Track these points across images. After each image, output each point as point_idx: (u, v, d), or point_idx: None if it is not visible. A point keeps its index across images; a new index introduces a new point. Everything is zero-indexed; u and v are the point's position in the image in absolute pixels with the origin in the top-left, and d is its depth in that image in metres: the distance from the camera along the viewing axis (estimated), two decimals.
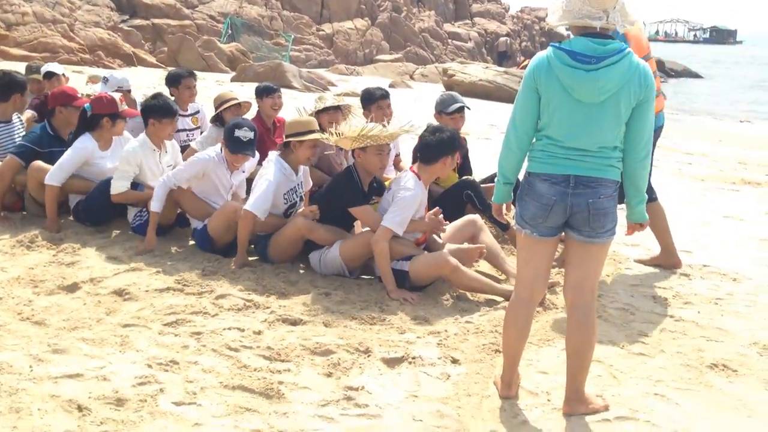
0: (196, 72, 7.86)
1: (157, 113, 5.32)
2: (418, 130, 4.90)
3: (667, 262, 5.33)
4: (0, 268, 4.59)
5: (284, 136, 5.05)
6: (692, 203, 7.70)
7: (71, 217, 5.63)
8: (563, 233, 3.23)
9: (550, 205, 3.09)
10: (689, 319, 4.35)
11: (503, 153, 3.23)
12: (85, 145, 5.47)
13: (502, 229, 5.49)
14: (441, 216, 4.76)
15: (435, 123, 5.46)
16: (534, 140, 3.18)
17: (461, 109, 5.90)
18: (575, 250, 3.21)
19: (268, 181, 4.87)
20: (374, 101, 6.22)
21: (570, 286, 3.24)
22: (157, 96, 5.54)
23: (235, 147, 5.06)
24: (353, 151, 4.80)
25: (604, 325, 4.18)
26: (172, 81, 6.66)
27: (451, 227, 5.02)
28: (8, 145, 5.91)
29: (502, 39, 26.82)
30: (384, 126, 4.80)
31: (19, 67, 10.74)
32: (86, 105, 5.57)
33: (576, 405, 3.21)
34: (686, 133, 16.27)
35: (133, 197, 5.31)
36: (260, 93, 6.43)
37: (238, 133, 5.03)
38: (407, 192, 4.57)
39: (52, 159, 5.50)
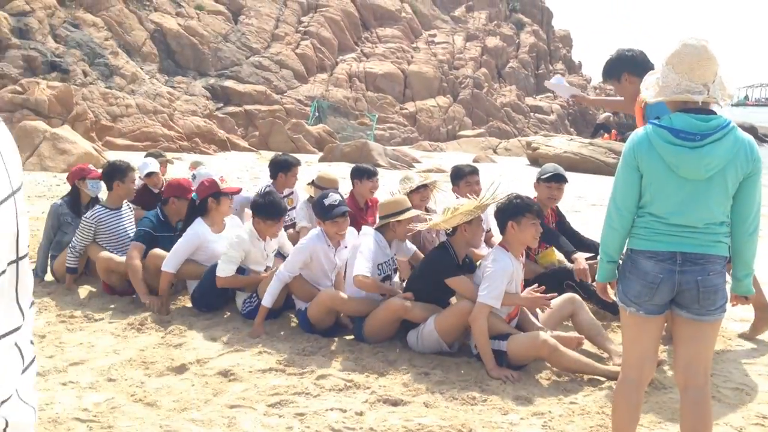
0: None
1: (262, 214, 5.51)
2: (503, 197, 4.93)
3: (764, 327, 5.11)
4: (113, 350, 4.81)
5: (379, 217, 5.18)
6: None
7: (181, 300, 5.87)
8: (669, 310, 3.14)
9: (656, 284, 3.01)
10: None
11: (606, 231, 3.18)
12: (196, 230, 5.74)
13: (612, 312, 5.32)
14: (542, 292, 4.67)
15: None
16: (636, 217, 3.12)
17: (554, 178, 5.81)
18: (685, 329, 3.09)
19: (368, 249, 5.02)
20: (463, 177, 6.31)
21: (681, 368, 3.11)
22: (267, 194, 5.73)
23: (328, 213, 5.19)
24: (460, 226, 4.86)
25: (718, 406, 3.99)
26: (282, 167, 6.95)
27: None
28: (119, 230, 6.24)
29: (605, 114, 26.79)
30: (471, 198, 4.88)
31: (124, 156, 11.45)
32: (193, 195, 5.90)
33: None
34: None
35: (238, 282, 5.50)
36: (359, 175, 6.57)
37: (327, 201, 5.21)
38: (495, 264, 4.58)
39: (161, 243, 5.85)
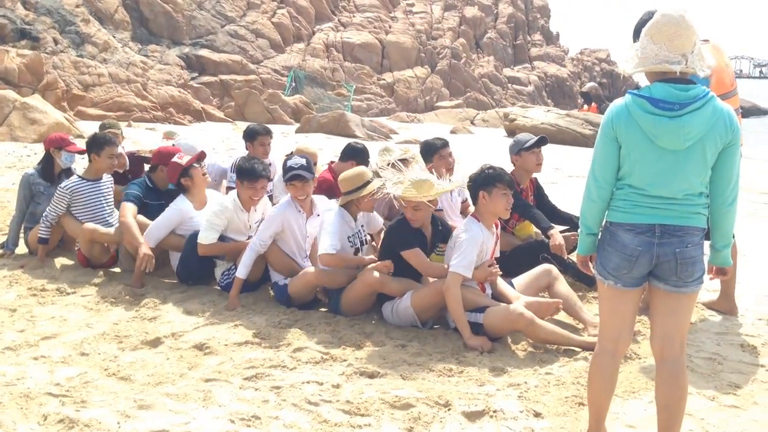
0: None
1: (240, 176, 5.46)
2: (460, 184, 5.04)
3: (723, 306, 5.16)
4: (86, 324, 4.74)
5: (342, 193, 5.11)
6: None
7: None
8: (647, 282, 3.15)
9: (635, 256, 3.01)
10: None
11: (585, 204, 3.16)
12: (179, 207, 5.70)
13: (587, 284, 5.40)
14: (495, 266, 4.74)
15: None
16: (615, 189, 3.10)
17: (539, 143, 5.84)
18: (662, 301, 3.09)
19: (330, 224, 4.99)
20: (436, 151, 6.18)
21: (658, 338, 3.12)
22: (249, 159, 5.63)
23: (287, 174, 5.16)
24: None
25: (691, 375, 4.02)
26: (248, 136, 6.87)
27: (526, 276, 4.98)
28: (98, 202, 6.09)
29: (591, 84, 26.80)
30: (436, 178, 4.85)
31: (97, 127, 11.25)
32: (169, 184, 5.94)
33: None
34: (760, 171, 15.77)
35: (220, 249, 5.42)
36: (347, 157, 6.32)
37: (289, 163, 5.17)
38: (466, 234, 4.58)
39: (150, 210, 5.84)
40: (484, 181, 4.62)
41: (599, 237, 3.18)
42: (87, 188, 6.07)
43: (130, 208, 5.78)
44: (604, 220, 3.17)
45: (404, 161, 6.01)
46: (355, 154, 6.27)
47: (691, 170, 2.95)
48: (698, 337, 4.65)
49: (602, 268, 3.13)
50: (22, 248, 6.40)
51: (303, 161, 5.18)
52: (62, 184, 6.01)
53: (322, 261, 4.93)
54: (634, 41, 3.60)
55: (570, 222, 6.01)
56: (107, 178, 6.31)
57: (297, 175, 5.13)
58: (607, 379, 3.21)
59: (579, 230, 3.26)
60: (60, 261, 6.17)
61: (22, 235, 6.42)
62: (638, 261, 3.02)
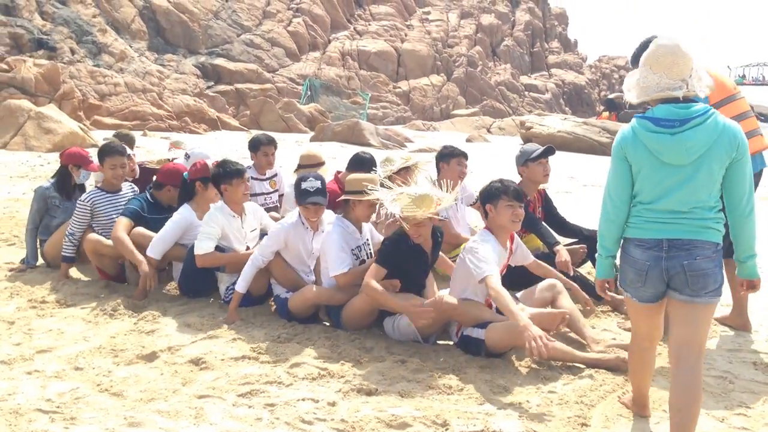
0: (277, 133, 8.03)
1: (225, 178, 5.34)
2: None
3: (735, 322, 5.02)
4: (83, 337, 4.68)
5: (344, 193, 5.03)
6: None
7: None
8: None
9: (645, 270, 3.17)
10: None
11: (604, 226, 3.33)
12: (183, 215, 5.57)
13: (595, 298, 5.20)
14: (524, 277, 4.72)
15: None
16: (630, 207, 3.28)
17: (546, 153, 5.75)
18: (678, 311, 3.19)
19: (333, 242, 4.85)
20: (454, 157, 6.10)
21: (675, 347, 3.21)
22: (221, 163, 5.52)
23: (303, 198, 5.01)
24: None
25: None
26: (252, 147, 6.83)
27: (530, 291, 4.86)
28: (113, 216, 5.92)
29: (618, 93, 26.70)
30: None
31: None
32: (184, 174, 5.73)
33: None
34: None
35: (218, 259, 5.28)
36: (354, 167, 6.21)
37: (304, 185, 4.99)
38: (479, 244, 4.48)
39: (152, 225, 5.66)
40: (489, 195, 4.58)
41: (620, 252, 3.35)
42: (105, 200, 6.00)
43: (122, 223, 5.61)
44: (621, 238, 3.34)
45: (406, 169, 5.94)
46: (363, 164, 6.18)
47: (698, 184, 3.07)
48: (709, 354, 4.50)
49: (623, 281, 3.35)
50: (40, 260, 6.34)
51: (318, 184, 5.00)
52: (82, 197, 5.94)
53: (339, 282, 4.81)
54: (633, 67, 3.80)
55: (579, 234, 5.90)
56: (128, 189, 6.22)
57: (313, 202, 5.01)
58: (648, 366, 3.50)
59: (597, 253, 3.42)
60: (75, 274, 6.11)
61: (38, 247, 6.36)
62: (648, 275, 3.17)
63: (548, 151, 5.76)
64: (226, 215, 5.36)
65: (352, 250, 4.97)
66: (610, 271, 3.39)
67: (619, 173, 3.24)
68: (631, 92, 3.28)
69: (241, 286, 5.03)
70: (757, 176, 4.72)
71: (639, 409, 3.64)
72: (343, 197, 5.01)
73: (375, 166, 6.23)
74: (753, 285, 3.23)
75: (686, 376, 3.13)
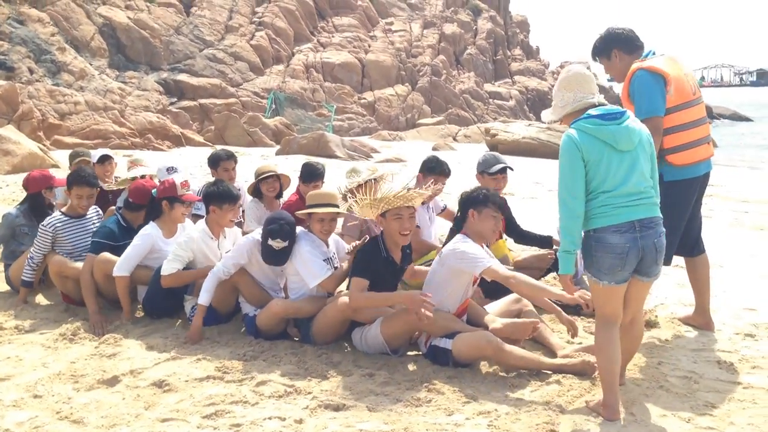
0: (242, 148, 7.97)
1: (217, 199, 5.26)
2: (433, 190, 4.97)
3: (698, 321, 5.06)
4: (42, 363, 4.56)
5: (306, 205, 4.98)
6: (754, 256, 7.33)
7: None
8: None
9: (625, 253, 3.52)
10: (759, 386, 4.05)
11: (569, 222, 3.58)
12: (149, 233, 5.46)
13: (576, 312, 5.16)
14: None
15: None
16: (589, 202, 3.58)
17: (504, 170, 5.79)
18: (638, 289, 3.74)
19: (306, 252, 4.79)
20: (437, 174, 5.96)
21: (630, 313, 3.81)
22: (217, 182, 5.46)
23: (266, 255, 4.90)
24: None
25: (666, 396, 3.93)
26: (211, 163, 6.76)
27: (497, 305, 4.87)
28: (84, 239, 5.80)
29: None
30: (406, 190, 4.61)
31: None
32: (153, 190, 5.61)
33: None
34: (740, 179, 15.79)
35: (182, 278, 5.20)
36: (305, 178, 6.34)
37: (271, 242, 4.80)
38: (462, 244, 4.46)
39: (119, 252, 5.46)
40: (475, 200, 4.58)
41: (584, 246, 3.65)
42: (69, 226, 5.82)
43: (90, 262, 5.44)
44: (583, 231, 3.64)
45: (373, 181, 5.90)
46: (312, 175, 6.31)
47: (643, 166, 3.60)
48: (674, 354, 4.54)
49: (597, 271, 3.61)
50: (3, 285, 6.21)
51: (285, 245, 4.81)
52: (44, 222, 5.75)
53: (325, 288, 4.77)
54: (594, 60, 4.64)
55: (541, 242, 5.96)
56: (92, 213, 6.06)
57: (277, 264, 4.96)
58: (616, 346, 3.68)
59: (560, 250, 3.68)
60: (38, 299, 5.96)
61: (1, 271, 6.20)
62: (628, 257, 3.53)
63: (503, 170, 5.81)
64: (204, 238, 5.28)
65: (325, 260, 4.91)
66: (573, 266, 3.69)
67: (576, 170, 3.55)
68: (552, 115, 3.87)
69: (204, 298, 4.93)
70: (705, 177, 4.80)
71: (609, 412, 3.64)
72: (304, 212, 4.95)
73: (320, 178, 6.33)
74: None
75: (635, 327, 3.88)
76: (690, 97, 4.59)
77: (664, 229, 3.64)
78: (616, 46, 4.86)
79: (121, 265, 5.32)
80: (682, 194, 4.62)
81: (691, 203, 4.72)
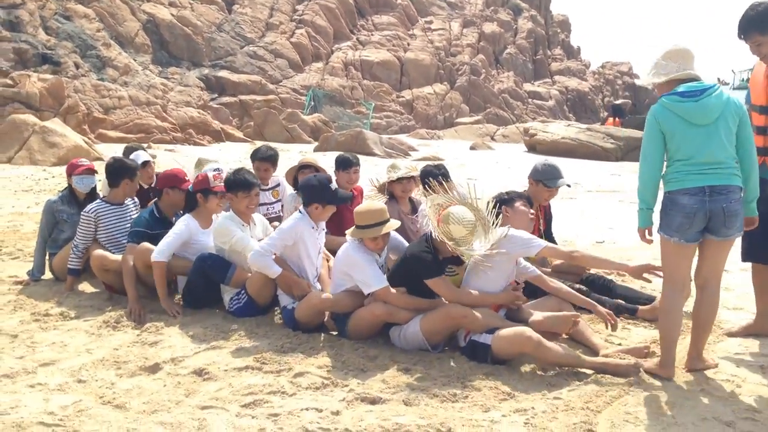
0: (281, 144, 8.06)
1: (232, 187, 5.45)
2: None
3: (764, 328, 4.87)
4: (86, 349, 4.67)
5: (356, 226, 4.88)
6: None
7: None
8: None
9: (693, 213, 3.93)
10: None
11: (645, 186, 4.07)
12: (187, 223, 5.59)
13: (630, 313, 5.26)
14: (519, 290, 4.69)
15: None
16: (666, 168, 4.06)
17: (560, 186, 5.92)
18: (711, 248, 4.09)
19: (362, 259, 4.78)
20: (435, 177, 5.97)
21: (702, 275, 4.15)
22: (237, 171, 5.62)
23: (334, 198, 5.22)
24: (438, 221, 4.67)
25: (707, 399, 3.86)
26: (251, 157, 6.87)
27: (536, 303, 4.85)
28: (122, 227, 6.02)
29: (624, 100, 26.83)
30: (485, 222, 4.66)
31: (117, 149, 11.25)
32: (190, 186, 5.75)
33: (696, 362, 4.21)
34: None
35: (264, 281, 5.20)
36: (338, 165, 6.51)
37: (335, 186, 5.32)
38: (505, 231, 4.64)
39: (158, 241, 5.56)
40: (504, 199, 5.07)
41: (662, 205, 4.08)
42: (110, 212, 6.02)
43: (130, 252, 5.58)
44: (662, 192, 4.06)
45: (409, 179, 5.93)
46: (353, 163, 6.51)
47: (720, 139, 3.93)
48: (715, 358, 4.45)
49: (668, 228, 4.05)
50: (48, 274, 6.35)
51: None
52: (86, 209, 5.96)
53: (382, 297, 4.68)
54: (740, 36, 4.40)
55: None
56: (130, 203, 6.24)
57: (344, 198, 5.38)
58: (679, 314, 4.12)
59: (639, 208, 4.12)
60: (82, 287, 6.10)
61: (47, 261, 6.36)
62: (696, 217, 3.94)
63: (562, 185, 5.91)
64: (234, 221, 5.43)
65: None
66: (650, 220, 4.12)
67: (655, 141, 4.02)
68: (658, 80, 4.19)
69: (275, 269, 5.03)
70: None
71: (665, 371, 4.07)
72: (360, 233, 4.84)
73: (354, 165, 6.47)
74: (752, 221, 4.26)
75: (709, 295, 4.13)
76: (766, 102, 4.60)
77: (739, 196, 3.96)
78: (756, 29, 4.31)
79: (161, 250, 5.42)
80: None
81: None
